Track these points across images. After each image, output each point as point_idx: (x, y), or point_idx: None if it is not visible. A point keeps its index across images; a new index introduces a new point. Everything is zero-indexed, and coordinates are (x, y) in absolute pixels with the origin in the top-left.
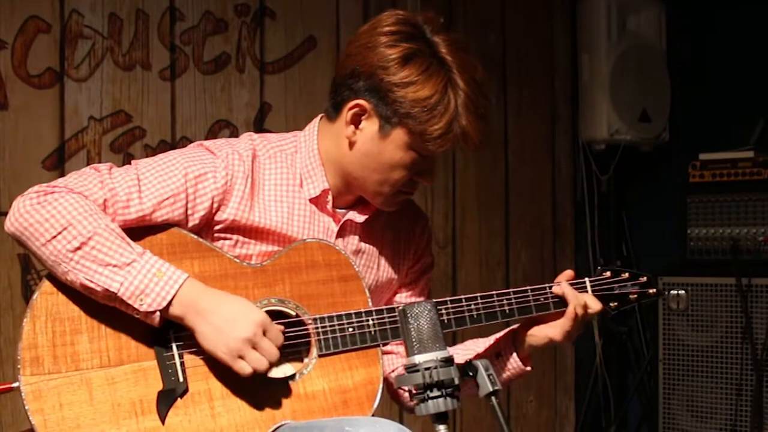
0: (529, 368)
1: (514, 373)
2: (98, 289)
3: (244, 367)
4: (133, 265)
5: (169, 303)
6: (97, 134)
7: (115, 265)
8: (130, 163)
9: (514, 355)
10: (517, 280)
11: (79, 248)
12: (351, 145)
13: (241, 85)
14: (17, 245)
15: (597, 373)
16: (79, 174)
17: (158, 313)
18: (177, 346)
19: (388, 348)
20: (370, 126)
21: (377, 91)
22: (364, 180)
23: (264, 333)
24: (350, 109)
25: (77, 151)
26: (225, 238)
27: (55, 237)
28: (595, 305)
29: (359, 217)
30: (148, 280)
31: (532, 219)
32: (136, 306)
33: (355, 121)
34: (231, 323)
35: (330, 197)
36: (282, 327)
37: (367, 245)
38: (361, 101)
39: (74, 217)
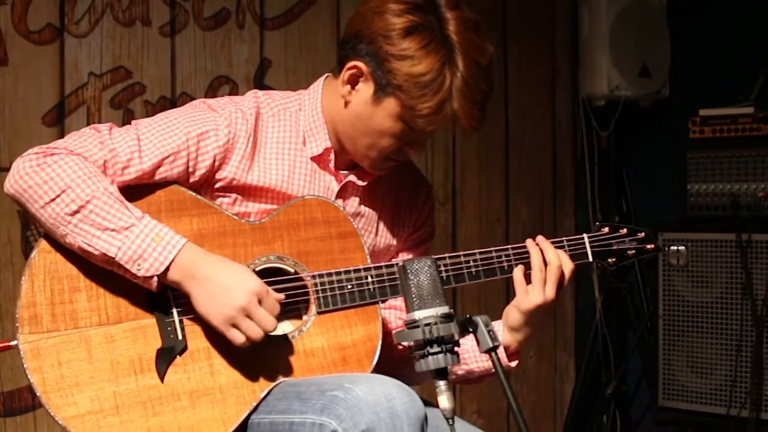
0: (513, 364)
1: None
2: (96, 253)
3: (237, 336)
4: (131, 230)
5: (167, 268)
6: (97, 90)
7: (113, 230)
8: (130, 123)
9: (501, 348)
10: (517, 236)
11: (77, 212)
12: (345, 104)
13: (241, 41)
14: None
15: (597, 329)
16: (79, 135)
17: (156, 278)
18: (176, 304)
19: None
20: (365, 89)
21: (376, 58)
22: (354, 141)
23: (260, 302)
24: (348, 69)
25: (77, 107)
26: (224, 196)
27: (53, 200)
28: (560, 261)
29: (360, 181)
30: (146, 245)
31: (532, 175)
32: (133, 271)
33: (352, 81)
34: (226, 291)
35: (332, 156)
36: (281, 296)
37: (367, 209)
38: (359, 63)
39: (73, 180)
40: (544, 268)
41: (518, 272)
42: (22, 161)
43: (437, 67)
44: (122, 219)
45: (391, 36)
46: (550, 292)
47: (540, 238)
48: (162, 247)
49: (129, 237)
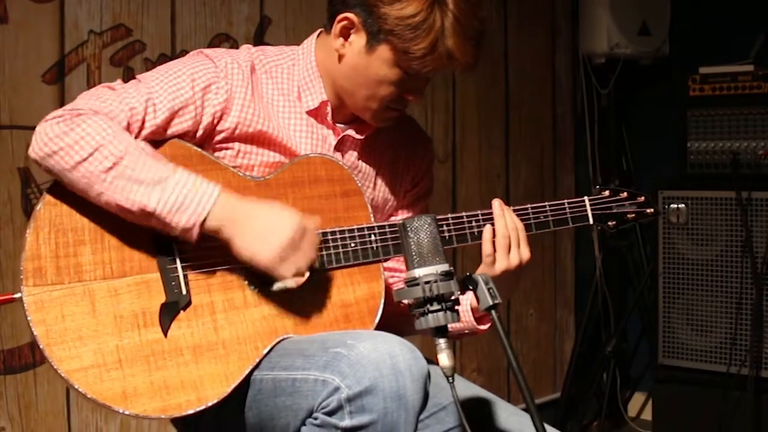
0: (483, 327)
1: (465, 327)
2: (134, 208)
3: (288, 271)
4: (168, 181)
5: (207, 215)
6: (97, 48)
7: (149, 182)
8: (134, 78)
9: (469, 312)
10: (517, 194)
11: (111, 168)
12: (340, 58)
13: None
14: (17, 158)
15: (597, 287)
16: (97, 96)
17: (197, 228)
18: (180, 259)
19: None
20: (358, 40)
21: (365, 6)
22: (353, 94)
23: (303, 234)
24: (339, 21)
25: (77, 65)
26: (226, 148)
27: (86, 159)
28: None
29: (358, 134)
30: (183, 196)
31: (532, 133)
32: (173, 222)
33: (344, 34)
34: (272, 229)
35: (329, 109)
36: (318, 221)
37: (365, 163)
38: (349, 14)
39: (104, 137)
40: (508, 235)
41: (487, 231)
42: (48, 125)
43: (426, 6)
44: (157, 172)
45: None
46: (514, 258)
47: (501, 203)
48: (200, 196)
49: (166, 189)
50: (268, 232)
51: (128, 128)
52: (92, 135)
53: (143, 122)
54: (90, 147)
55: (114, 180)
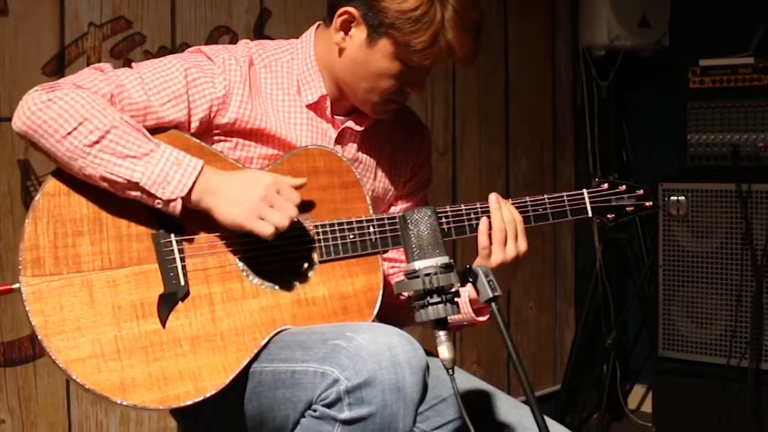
0: (482, 319)
1: (464, 319)
2: (119, 180)
3: (264, 227)
4: (152, 155)
5: (190, 189)
6: (97, 40)
7: (134, 156)
8: (130, 66)
9: (468, 305)
10: (517, 187)
11: (97, 142)
12: (340, 51)
13: None
14: (17, 150)
15: (597, 279)
16: (82, 73)
17: (180, 200)
18: (179, 250)
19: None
20: (358, 34)
21: (365, 0)
22: (354, 87)
23: (278, 192)
24: (339, 15)
25: (77, 57)
26: (225, 141)
27: (70, 133)
28: (515, 219)
29: (358, 126)
30: (168, 168)
31: (532, 125)
32: (158, 194)
33: (345, 27)
34: (244, 190)
35: (328, 103)
36: (299, 181)
37: (365, 155)
38: (350, 8)
39: (88, 111)
40: (504, 228)
41: (483, 224)
42: (31, 97)
43: (426, 0)
44: (142, 146)
45: None
46: (511, 251)
47: (497, 196)
48: (183, 169)
49: (151, 162)
50: (240, 195)
51: (111, 105)
52: (76, 108)
53: (133, 102)
54: (74, 121)
55: (99, 154)
